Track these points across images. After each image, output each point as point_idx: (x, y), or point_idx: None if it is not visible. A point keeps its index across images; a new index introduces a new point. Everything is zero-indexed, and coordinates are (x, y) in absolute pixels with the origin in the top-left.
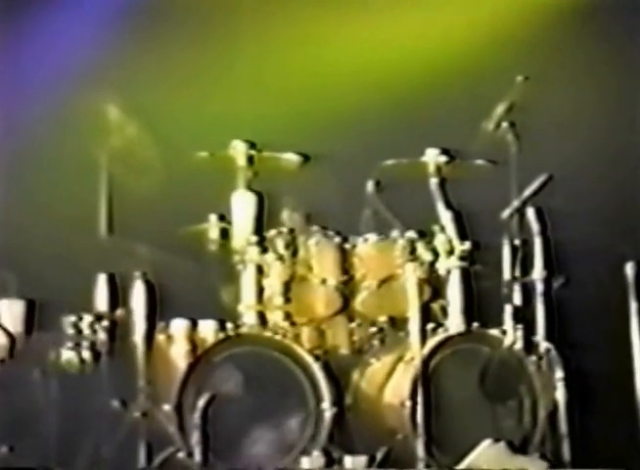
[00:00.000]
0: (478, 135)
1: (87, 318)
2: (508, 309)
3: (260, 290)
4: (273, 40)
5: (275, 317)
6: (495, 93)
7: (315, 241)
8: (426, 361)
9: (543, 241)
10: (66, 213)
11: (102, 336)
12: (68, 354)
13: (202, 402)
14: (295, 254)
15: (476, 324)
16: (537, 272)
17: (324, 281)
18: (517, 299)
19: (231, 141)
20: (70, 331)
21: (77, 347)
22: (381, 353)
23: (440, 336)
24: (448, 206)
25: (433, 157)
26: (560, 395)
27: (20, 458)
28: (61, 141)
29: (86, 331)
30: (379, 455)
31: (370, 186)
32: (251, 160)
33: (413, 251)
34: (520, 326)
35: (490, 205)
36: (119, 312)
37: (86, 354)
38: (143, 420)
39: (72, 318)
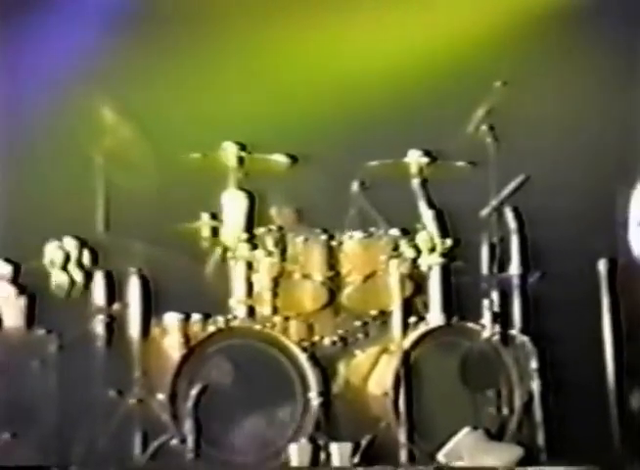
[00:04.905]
0: (458, 137)
1: (71, 242)
2: (486, 304)
3: (250, 285)
4: (262, 48)
5: (264, 311)
6: (475, 97)
7: (303, 238)
8: (408, 353)
9: (520, 238)
10: (64, 212)
11: (87, 259)
12: (58, 278)
13: (194, 392)
14: (283, 250)
15: (455, 318)
16: (514, 268)
17: (311, 276)
18: (494, 293)
19: (222, 143)
20: (58, 256)
21: (66, 270)
22: (365, 346)
23: (422, 329)
24: (430, 205)
25: (415, 158)
26: (535, 385)
27: (21, 444)
28: (58, 143)
29: (73, 253)
30: (363, 442)
31: (355, 186)
32: (241, 161)
33: (396, 248)
34: (497, 319)
35: (470, 204)
36: (116, 307)
37: (77, 275)
38: (138, 409)
39: (56, 243)
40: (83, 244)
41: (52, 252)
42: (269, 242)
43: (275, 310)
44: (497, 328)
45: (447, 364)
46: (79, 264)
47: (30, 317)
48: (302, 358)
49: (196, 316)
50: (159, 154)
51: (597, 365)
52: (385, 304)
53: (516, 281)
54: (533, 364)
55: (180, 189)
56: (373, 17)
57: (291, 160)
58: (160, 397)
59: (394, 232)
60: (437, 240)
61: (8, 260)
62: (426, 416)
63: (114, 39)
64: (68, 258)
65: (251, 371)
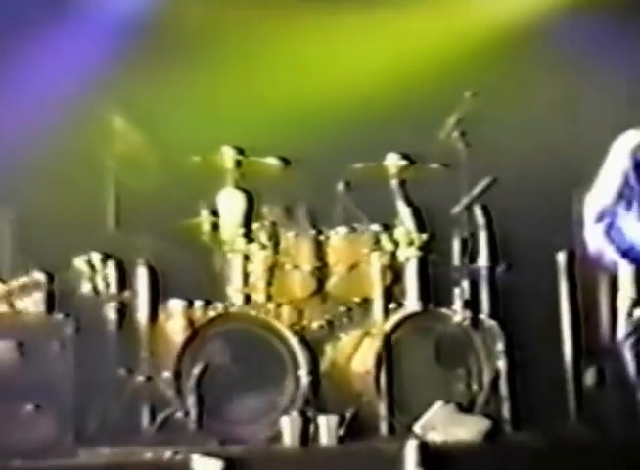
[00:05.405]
0: (432, 143)
1: (96, 256)
2: (458, 292)
3: (246, 275)
4: (257, 65)
5: (259, 298)
6: (447, 107)
7: (294, 233)
8: (388, 336)
9: (488, 233)
10: (79, 210)
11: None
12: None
13: (196, 371)
14: (276, 244)
15: (431, 304)
16: (483, 260)
17: (301, 267)
18: (465, 282)
19: (221, 147)
20: (85, 269)
21: (92, 281)
22: (350, 329)
23: (401, 314)
24: (408, 203)
25: (393, 161)
26: (501, 364)
27: (43, 416)
28: (74, 148)
29: (98, 266)
30: (348, 415)
31: (341, 186)
32: (238, 163)
33: (377, 241)
34: (468, 306)
35: (443, 202)
36: (126, 294)
37: (101, 286)
38: (146, 385)
39: (84, 257)
40: (107, 257)
41: (79, 265)
42: (263, 236)
43: (269, 298)
44: (468, 313)
45: (423, 346)
46: (104, 278)
47: (50, 303)
48: (293, 341)
49: (198, 303)
50: (164, 157)
51: (556, 346)
52: (367, 291)
53: (484, 272)
54: (500, 346)
55: (183, 189)
56: (355, 35)
57: (283, 162)
58: (166, 374)
59: (376, 228)
60: (414, 234)
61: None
62: (404, 392)
63: (124, 57)
64: (94, 270)
65: (247, 352)
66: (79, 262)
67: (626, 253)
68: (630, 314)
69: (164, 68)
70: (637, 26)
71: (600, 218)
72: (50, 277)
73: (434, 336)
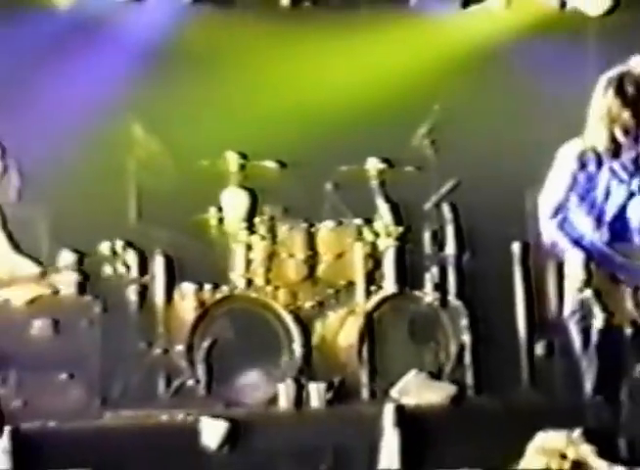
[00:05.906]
0: (406, 149)
1: (119, 243)
2: (429, 276)
3: (248, 262)
4: (257, 81)
5: (259, 282)
6: (419, 118)
7: (289, 226)
8: (369, 314)
9: (455, 226)
10: (106, 207)
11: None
12: (107, 272)
13: (205, 344)
14: (274, 236)
15: (406, 287)
16: (450, 249)
17: (295, 256)
18: (435, 268)
19: (226, 152)
20: (107, 253)
21: (113, 264)
22: (336, 308)
23: (380, 295)
24: (387, 200)
25: (373, 164)
26: (465, 338)
27: (75, 383)
28: (100, 154)
29: (120, 251)
30: (335, 382)
31: (329, 186)
32: (242, 166)
33: (360, 233)
34: (437, 288)
35: (416, 200)
36: (146, 278)
37: (121, 269)
38: (162, 357)
39: (108, 243)
40: (129, 244)
41: (104, 249)
42: (263, 229)
43: (267, 282)
44: (437, 295)
45: (399, 323)
46: (124, 263)
47: (82, 286)
48: (288, 319)
49: (207, 286)
50: (177, 162)
51: (512, 322)
52: (351, 276)
53: (452, 259)
54: (464, 322)
55: (194, 188)
56: (341, 57)
57: (280, 166)
58: (180, 348)
59: (359, 221)
60: (392, 227)
61: (75, 251)
62: (383, 362)
63: (143, 74)
64: (115, 255)
65: (249, 328)
66: (104, 248)
67: (577, 242)
68: (578, 294)
69: (178, 85)
70: (582, 49)
71: (555, 214)
72: (80, 262)
73: (409, 314)
